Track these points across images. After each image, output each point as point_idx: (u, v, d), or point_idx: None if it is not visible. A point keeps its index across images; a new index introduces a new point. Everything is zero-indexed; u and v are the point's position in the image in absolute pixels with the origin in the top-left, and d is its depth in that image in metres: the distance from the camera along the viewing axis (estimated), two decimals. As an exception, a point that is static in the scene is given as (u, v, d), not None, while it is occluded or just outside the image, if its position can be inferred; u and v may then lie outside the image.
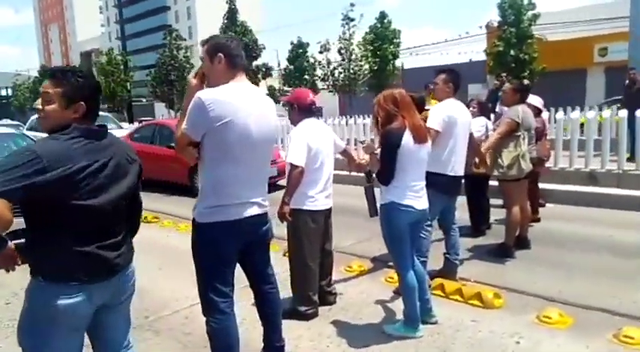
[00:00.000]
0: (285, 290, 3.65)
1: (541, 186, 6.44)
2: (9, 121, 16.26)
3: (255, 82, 34.61)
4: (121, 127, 15.43)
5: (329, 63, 23.47)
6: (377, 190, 3.52)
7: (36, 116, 15.86)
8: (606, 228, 5.79)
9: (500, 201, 5.84)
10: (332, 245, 3.87)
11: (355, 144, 10.32)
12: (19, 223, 1.74)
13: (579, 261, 4.74)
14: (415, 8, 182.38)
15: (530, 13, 25.04)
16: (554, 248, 5.17)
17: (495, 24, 26.06)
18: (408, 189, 3.14)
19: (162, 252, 5.46)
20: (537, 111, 5.77)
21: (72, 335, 1.88)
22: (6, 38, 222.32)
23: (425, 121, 3.60)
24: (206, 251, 2.48)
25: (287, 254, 3.74)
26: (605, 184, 7.41)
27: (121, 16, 31.85)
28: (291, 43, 33.52)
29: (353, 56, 22.99)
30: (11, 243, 1.78)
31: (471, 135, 4.29)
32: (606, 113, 9.26)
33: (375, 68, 27.68)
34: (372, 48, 27.03)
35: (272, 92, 33.91)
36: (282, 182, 4.36)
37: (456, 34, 75.52)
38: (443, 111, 3.95)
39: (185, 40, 41.61)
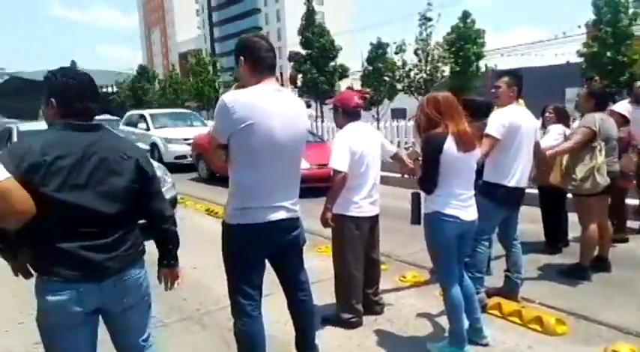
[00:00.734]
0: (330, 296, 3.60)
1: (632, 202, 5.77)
2: (108, 116, 17.63)
3: (332, 83, 34.80)
4: (206, 125, 16.18)
5: (404, 64, 22.91)
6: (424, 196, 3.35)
7: (131, 112, 17.17)
8: None
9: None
10: (379, 253, 3.74)
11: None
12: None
13: (668, 291, 4.18)
14: (507, 7, 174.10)
15: (630, 11, 22.74)
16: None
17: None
18: (454, 198, 2.95)
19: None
20: (623, 120, 5.19)
21: (70, 335, 1.90)
22: (115, 40, 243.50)
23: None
24: (233, 252, 2.48)
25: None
26: None
27: (210, 19, 33.51)
28: (371, 44, 33.40)
29: (429, 57, 22.26)
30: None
31: (536, 144, 3.95)
32: None
33: (457, 69, 26.67)
34: (453, 49, 26.08)
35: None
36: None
37: (551, 35, 71.00)
38: (504, 118, 3.66)
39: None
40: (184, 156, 12.56)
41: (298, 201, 2.58)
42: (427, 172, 2.98)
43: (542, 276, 4.59)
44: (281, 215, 2.44)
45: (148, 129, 13.99)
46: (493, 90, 3.88)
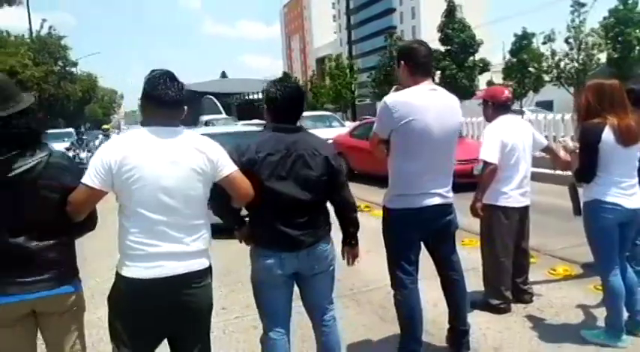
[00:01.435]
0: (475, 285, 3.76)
1: None
2: (258, 121, 19.35)
3: (472, 78, 33.46)
4: (344, 125, 16.88)
5: (553, 54, 21.16)
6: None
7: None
8: None
9: None
10: (528, 244, 3.81)
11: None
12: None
13: None
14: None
15: None
16: None
17: None
18: (615, 186, 2.90)
19: (371, 237, 5.99)
20: None
21: (273, 291, 2.41)
22: (259, 49, 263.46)
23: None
24: (393, 233, 2.85)
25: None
26: None
27: (349, 22, 34.43)
28: (515, 35, 31.48)
29: (583, 45, 20.26)
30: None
31: None
32: None
33: (616, 56, 23.91)
34: (611, 34, 23.41)
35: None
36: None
37: None
38: None
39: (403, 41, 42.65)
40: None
41: (451, 189, 2.87)
42: (585, 162, 2.94)
43: None
44: (436, 200, 2.76)
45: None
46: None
